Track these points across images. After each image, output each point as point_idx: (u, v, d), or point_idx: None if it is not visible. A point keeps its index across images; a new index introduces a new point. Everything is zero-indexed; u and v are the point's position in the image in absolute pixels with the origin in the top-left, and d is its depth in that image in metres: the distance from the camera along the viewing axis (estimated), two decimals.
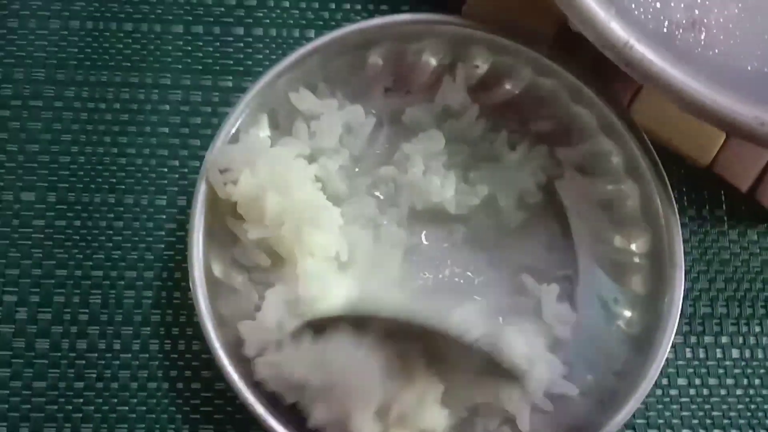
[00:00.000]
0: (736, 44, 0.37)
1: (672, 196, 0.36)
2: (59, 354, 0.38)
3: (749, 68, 0.36)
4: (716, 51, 0.36)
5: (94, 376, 0.38)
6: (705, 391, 0.40)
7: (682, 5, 0.37)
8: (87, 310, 0.39)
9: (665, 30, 0.36)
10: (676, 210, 0.36)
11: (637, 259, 0.37)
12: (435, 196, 0.38)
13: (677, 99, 0.30)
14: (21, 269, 0.39)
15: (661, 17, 0.37)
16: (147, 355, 0.38)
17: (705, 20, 0.37)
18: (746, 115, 0.30)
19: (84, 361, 0.38)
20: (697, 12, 0.37)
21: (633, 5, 0.36)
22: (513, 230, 0.39)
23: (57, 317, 0.38)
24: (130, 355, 0.38)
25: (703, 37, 0.37)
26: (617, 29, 0.31)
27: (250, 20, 0.42)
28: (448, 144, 0.38)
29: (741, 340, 0.40)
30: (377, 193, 0.39)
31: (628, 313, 0.37)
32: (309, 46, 0.37)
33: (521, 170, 0.39)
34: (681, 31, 0.36)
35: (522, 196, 0.39)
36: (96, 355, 0.38)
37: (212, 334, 0.34)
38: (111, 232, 0.39)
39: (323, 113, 0.38)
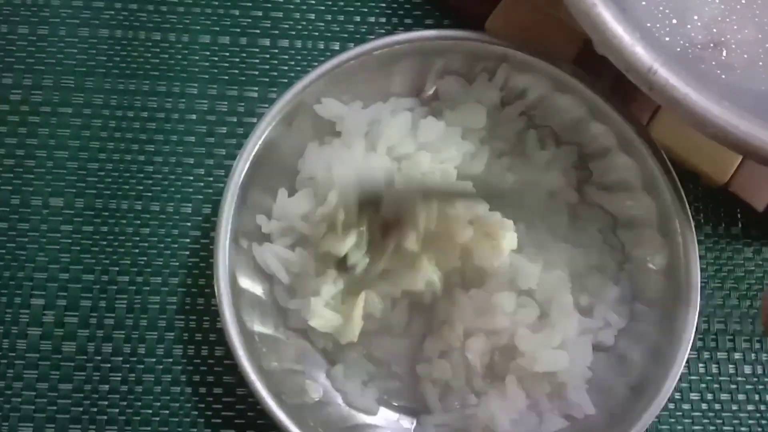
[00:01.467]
0: (756, 64, 0.37)
1: (689, 213, 0.36)
2: (85, 357, 0.39)
3: (766, 91, 0.37)
4: (737, 72, 0.37)
5: (119, 379, 0.39)
6: (717, 406, 0.40)
7: (700, 24, 0.37)
8: (113, 315, 0.39)
9: (687, 51, 0.37)
10: (693, 227, 0.36)
11: (653, 275, 0.38)
12: (465, 167, 0.38)
13: (699, 124, 0.31)
14: (49, 273, 0.40)
15: (683, 38, 0.37)
16: (171, 360, 0.39)
17: (724, 39, 0.37)
18: (766, 141, 0.30)
19: (109, 365, 0.39)
20: (715, 30, 0.37)
21: (655, 27, 0.37)
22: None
23: (83, 321, 0.39)
24: (154, 360, 0.39)
25: (724, 56, 0.37)
26: (642, 54, 0.31)
27: (276, 32, 0.43)
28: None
29: (753, 356, 0.41)
30: None
31: (643, 328, 0.37)
32: (336, 59, 0.37)
33: (551, 169, 0.39)
34: (702, 51, 0.37)
35: (554, 195, 0.39)
36: (121, 358, 0.39)
37: (235, 340, 0.35)
38: (137, 238, 0.40)
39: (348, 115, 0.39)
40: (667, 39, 0.37)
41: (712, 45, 0.37)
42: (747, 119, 0.31)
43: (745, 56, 0.37)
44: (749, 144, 0.31)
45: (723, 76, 0.37)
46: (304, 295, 0.37)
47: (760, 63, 0.37)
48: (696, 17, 0.37)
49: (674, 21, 0.37)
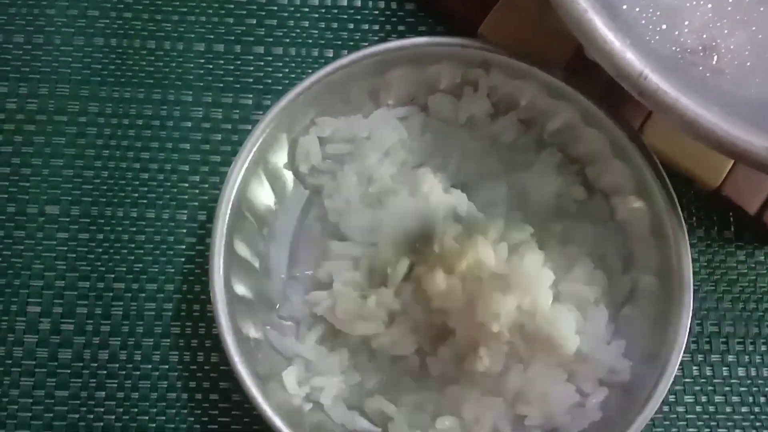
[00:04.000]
0: (746, 69, 0.37)
1: (681, 217, 0.37)
2: (81, 364, 0.39)
3: (758, 95, 0.37)
4: (728, 77, 0.37)
5: (115, 386, 0.39)
6: (711, 408, 0.41)
7: (691, 29, 0.37)
8: (109, 322, 0.40)
9: (678, 56, 0.37)
10: (686, 231, 0.37)
11: (647, 278, 0.38)
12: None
13: (690, 128, 0.31)
14: (45, 281, 0.40)
15: (673, 43, 0.37)
16: (167, 366, 0.39)
17: (714, 44, 0.38)
18: (757, 145, 0.31)
19: (105, 372, 0.39)
20: (705, 36, 0.38)
21: (646, 33, 0.37)
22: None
23: (79, 328, 0.39)
24: (150, 366, 0.39)
25: (714, 61, 0.38)
26: (632, 60, 0.31)
27: (270, 39, 0.43)
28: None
29: (747, 358, 0.41)
30: None
31: (637, 331, 0.38)
32: (329, 67, 0.37)
33: (551, 174, 0.40)
34: (693, 56, 0.37)
35: (562, 198, 0.40)
36: (117, 365, 0.39)
37: (231, 346, 0.35)
38: (133, 245, 0.40)
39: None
40: (658, 44, 0.37)
41: (702, 50, 0.38)
42: (737, 124, 0.32)
43: (736, 61, 0.38)
44: (740, 148, 0.31)
45: (714, 81, 0.37)
46: None
47: (751, 68, 0.38)
48: (686, 22, 0.38)
49: (665, 26, 0.38)
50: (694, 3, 0.38)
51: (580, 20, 0.32)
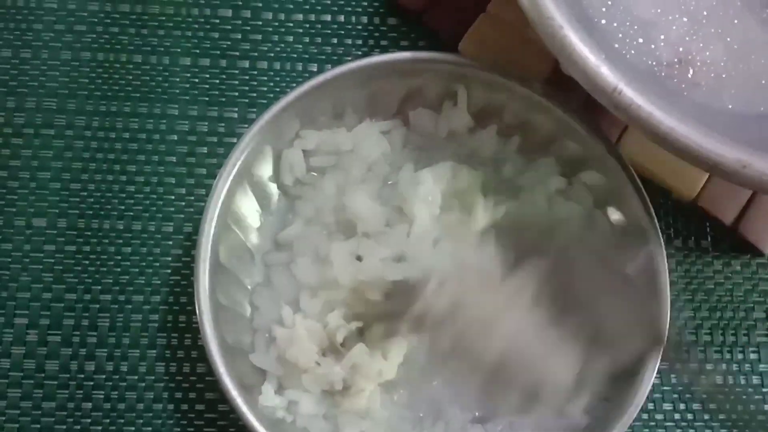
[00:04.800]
0: (721, 81, 0.38)
1: (658, 227, 0.37)
2: (68, 375, 0.39)
3: (731, 108, 0.38)
4: (703, 90, 0.38)
5: (102, 397, 0.39)
6: (689, 416, 0.41)
7: (666, 43, 0.38)
8: (95, 333, 0.40)
9: (654, 70, 0.38)
10: (662, 241, 0.37)
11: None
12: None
13: (664, 142, 0.32)
14: (32, 293, 0.40)
15: (649, 57, 0.38)
16: (153, 377, 0.40)
17: (690, 57, 0.39)
18: (729, 158, 0.31)
19: (92, 383, 0.39)
20: (681, 49, 0.38)
21: (623, 47, 0.38)
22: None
23: (66, 340, 0.40)
24: (136, 377, 0.40)
25: (690, 75, 0.38)
26: (607, 74, 0.32)
27: (255, 54, 0.44)
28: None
29: (724, 366, 0.42)
30: None
31: (616, 341, 0.38)
32: (314, 81, 0.38)
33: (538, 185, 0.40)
34: (669, 69, 0.38)
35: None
36: (104, 376, 0.39)
37: (216, 356, 0.35)
38: (119, 257, 0.41)
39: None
40: (634, 58, 0.38)
41: (678, 63, 0.38)
42: (711, 136, 0.32)
43: (712, 73, 0.38)
44: (713, 161, 0.32)
45: (689, 94, 0.38)
46: None
47: (726, 79, 0.38)
48: (662, 36, 0.38)
49: (641, 40, 0.38)
50: (670, 17, 0.39)
51: (555, 36, 0.32)
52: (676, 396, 0.41)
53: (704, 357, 0.42)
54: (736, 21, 0.39)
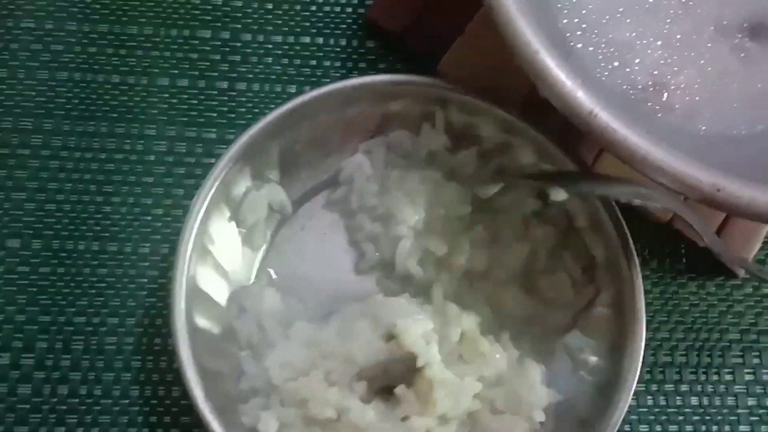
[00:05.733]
0: (696, 104, 0.39)
1: (633, 249, 0.38)
2: (41, 399, 0.39)
3: (705, 131, 0.38)
4: (678, 113, 0.38)
5: (75, 421, 0.39)
6: None
7: (641, 67, 0.39)
8: (69, 356, 0.39)
9: (629, 93, 0.38)
10: (638, 263, 0.38)
11: (601, 310, 0.39)
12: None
13: (639, 165, 0.32)
14: (5, 315, 0.40)
15: (625, 80, 0.39)
16: (127, 401, 0.39)
17: (665, 81, 0.39)
18: (704, 181, 0.32)
19: (65, 407, 0.39)
20: (656, 73, 0.39)
21: (598, 70, 0.38)
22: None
23: (39, 363, 0.39)
24: (110, 401, 0.39)
25: (664, 98, 0.39)
26: (582, 98, 0.32)
27: (234, 75, 0.44)
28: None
29: (699, 388, 0.42)
30: None
31: (592, 362, 0.38)
32: (292, 102, 0.38)
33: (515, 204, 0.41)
34: (644, 92, 0.39)
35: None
36: (77, 400, 0.39)
37: (191, 380, 0.35)
38: (94, 278, 0.41)
39: None
40: (610, 82, 0.38)
41: (653, 86, 0.39)
42: (685, 160, 0.32)
43: (687, 96, 0.39)
44: (687, 184, 0.32)
45: (664, 117, 0.38)
46: None
47: (701, 102, 0.39)
48: (637, 60, 0.39)
49: (616, 64, 0.39)
50: (645, 41, 0.39)
51: (531, 61, 0.33)
52: (652, 417, 0.41)
53: (680, 378, 0.42)
54: (709, 45, 0.40)
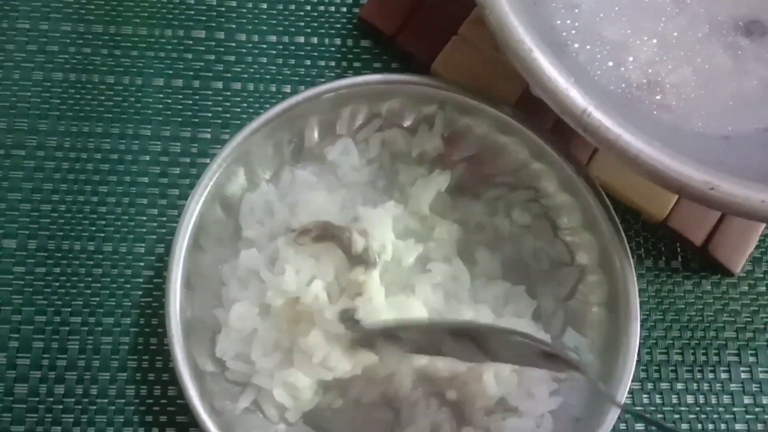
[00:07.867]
0: (691, 102, 0.39)
1: (628, 248, 0.38)
2: (37, 399, 0.39)
3: (699, 129, 0.38)
4: (673, 111, 0.38)
5: (71, 421, 0.39)
6: None
7: (636, 65, 0.39)
8: (65, 356, 0.39)
9: (625, 92, 0.38)
10: (632, 262, 0.38)
11: (595, 309, 0.39)
12: None
13: (632, 163, 0.32)
14: (1, 315, 0.40)
15: (620, 79, 0.39)
16: (123, 401, 0.39)
17: (659, 79, 0.39)
18: (697, 180, 0.32)
19: (61, 406, 0.39)
20: (650, 71, 0.39)
21: (593, 69, 0.38)
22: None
23: (35, 363, 0.39)
24: (106, 401, 0.39)
25: (659, 97, 0.39)
26: (576, 97, 0.32)
27: (229, 75, 0.44)
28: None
29: (695, 386, 0.42)
30: None
31: (587, 360, 0.38)
32: (287, 102, 0.38)
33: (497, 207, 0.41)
34: (638, 91, 0.39)
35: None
36: (73, 400, 0.39)
37: (187, 379, 0.35)
38: (90, 278, 0.41)
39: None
40: (605, 81, 0.38)
41: (647, 85, 0.39)
42: (679, 159, 0.32)
43: (682, 94, 0.39)
44: (680, 182, 0.32)
45: (658, 116, 0.38)
46: None
47: (695, 100, 0.39)
48: (631, 59, 0.39)
49: (611, 63, 0.39)
50: (639, 40, 0.39)
51: (524, 60, 0.33)
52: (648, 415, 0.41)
53: (675, 376, 0.42)
54: (704, 43, 0.40)
